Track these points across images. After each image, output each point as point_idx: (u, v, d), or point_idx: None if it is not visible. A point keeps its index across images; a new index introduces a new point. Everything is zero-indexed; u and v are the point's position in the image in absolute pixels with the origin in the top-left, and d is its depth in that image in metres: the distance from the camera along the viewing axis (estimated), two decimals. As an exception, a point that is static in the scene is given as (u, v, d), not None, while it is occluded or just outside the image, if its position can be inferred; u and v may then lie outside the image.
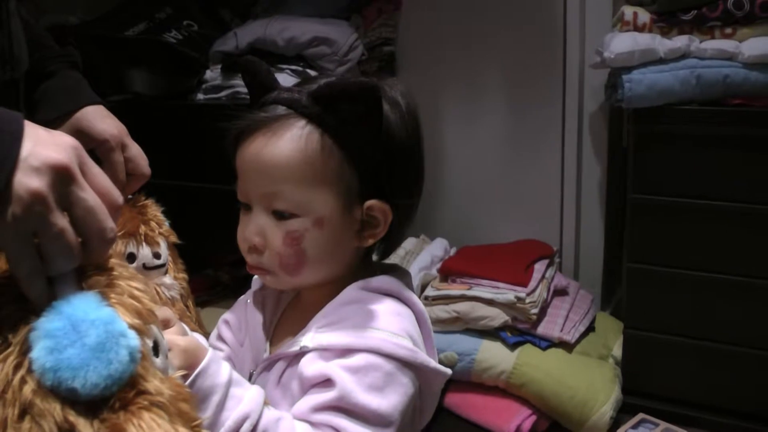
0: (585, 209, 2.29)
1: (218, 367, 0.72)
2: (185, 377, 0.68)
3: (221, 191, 2.10)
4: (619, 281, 2.12)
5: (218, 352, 0.86)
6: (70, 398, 0.51)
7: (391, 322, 0.78)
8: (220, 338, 0.95)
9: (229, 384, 0.71)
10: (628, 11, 1.82)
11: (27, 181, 0.52)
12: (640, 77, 1.77)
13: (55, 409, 0.50)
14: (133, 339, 0.54)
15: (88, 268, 0.57)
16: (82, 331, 0.51)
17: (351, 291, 0.81)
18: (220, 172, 2.14)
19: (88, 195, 0.55)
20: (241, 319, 0.93)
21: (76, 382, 0.50)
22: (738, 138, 1.75)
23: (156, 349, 0.59)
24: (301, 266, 0.80)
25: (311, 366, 0.75)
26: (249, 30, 2.11)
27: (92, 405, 0.51)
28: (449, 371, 0.81)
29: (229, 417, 0.70)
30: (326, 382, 0.74)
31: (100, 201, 0.56)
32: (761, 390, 1.84)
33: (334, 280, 0.83)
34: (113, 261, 0.60)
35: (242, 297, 0.95)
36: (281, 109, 0.79)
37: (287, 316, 0.90)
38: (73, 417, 0.50)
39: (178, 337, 0.70)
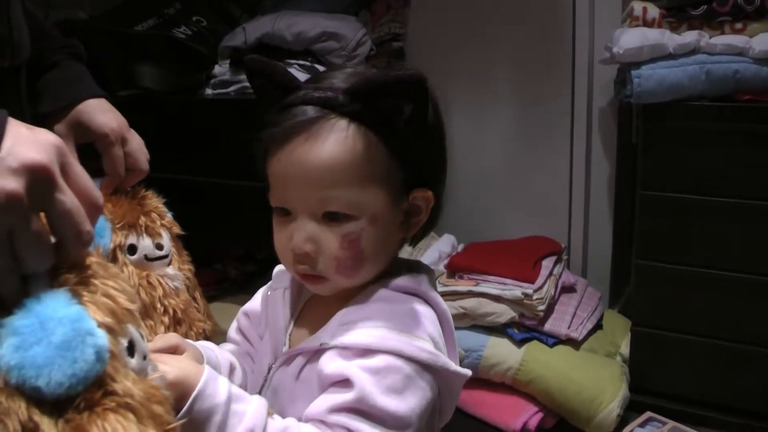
0: (594, 206, 2.28)
1: (216, 387, 0.70)
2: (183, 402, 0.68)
3: (229, 186, 2.13)
4: (628, 279, 2.11)
5: (215, 364, 0.85)
6: (36, 397, 0.50)
7: (414, 324, 0.76)
8: (240, 331, 0.94)
9: (229, 402, 0.70)
10: (637, 6, 1.81)
11: (3, 182, 0.51)
12: (650, 73, 1.76)
13: (20, 407, 0.49)
14: (101, 338, 0.53)
15: (61, 267, 0.56)
16: (49, 328, 0.51)
17: (376, 289, 0.80)
18: (228, 167, 2.17)
19: (66, 197, 0.54)
20: (261, 311, 0.92)
21: (40, 380, 0.49)
22: (748, 134, 1.73)
23: (131, 350, 0.58)
24: (358, 267, 0.78)
25: (331, 364, 0.74)
26: (257, 25, 2.11)
27: (57, 404, 0.51)
28: (469, 372, 0.80)
29: None
30: (345, 382, 0.72)
31: (78, 203, 0.55)
32: (769, 389, 1.83)
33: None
34: (92, 260, 0.59)
35: (262, 288, 0.94)
36: (314, 110, 0.76)
37: (309, 309, 0.88)
38: (37, 416, 0.49)
39: (167, 369, 0.68)
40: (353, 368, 0.72)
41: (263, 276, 0.98)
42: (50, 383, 0.50)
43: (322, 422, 0.71)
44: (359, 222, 0.76)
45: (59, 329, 0.51)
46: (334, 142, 0.75)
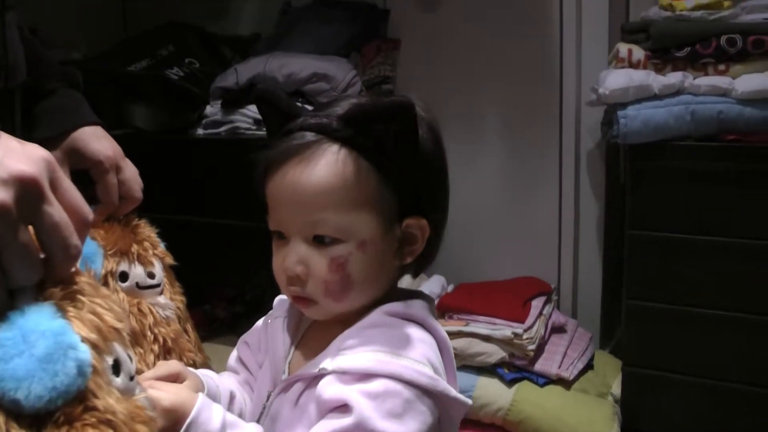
0: (583, 247, 2.28)
1: (210, 414, 0.71)
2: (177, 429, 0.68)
3: (220, 225, 2.13)
4: (618, 320, 2.10)
5: (215, 393, 0.85)
6: (14, 411, 0.50)
7: (413, 349, 0.76)
8: (240, 360, 0.94)
9: (223, 429, 0.70)
10: (623, 48, 1.84)
11: None
12: (635, 113, 1.78)
13: None
14: (84, 352, 0.53)
15: (47, 282, 0.56)
16: (32, 341, 0.50)
17: (375, 315, 0.80)
18: (219, 207, 2.16)
19: (54, 210, 0.54)
20: (261, 339, 0.92)
21: (19, 393, 0.49)
22: (734, 173, 1.75)
23: (117, 369, 0.58)
24: (346, 291, 0.78)
25: (329, 388, 0.73)
26: (249, 66, 2.13)
27: (36, 419, 0.50)
28: (469, 401, 0.79)
29: None
30: (344, 408, 0.72)
31: (66, 217, 0.55)
32: (761, 428, 1.81)
33: (371, 303, 0.81)
34: (82, 279, 0.59)
35: (263, 318, 0.94)
36: (311, 135, 0.78)
37: (308, 336, 0.88)
38: (15, 430, 0.49)
39: (163, 395, 0.69)
40: (352, 393, 0.71)
41: (251, 317, 0.98)
42: (29, 396, 0.49)
43: None
44: (347, 245, 0.77)
45: (41, 342, 0.51)
46: (324, 165, 0.76)
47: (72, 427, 0.51)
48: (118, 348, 0.58)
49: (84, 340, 0.53)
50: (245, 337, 0.95)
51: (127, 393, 0.58)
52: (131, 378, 0.60)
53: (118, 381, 0.57)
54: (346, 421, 0.70)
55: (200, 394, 0.73)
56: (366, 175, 0.77)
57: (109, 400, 0.54)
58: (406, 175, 0.78)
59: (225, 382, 0.89)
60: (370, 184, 0.77)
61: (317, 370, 0.76)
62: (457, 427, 0.82)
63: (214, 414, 0.71)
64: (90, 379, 0.53)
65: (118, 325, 0.58)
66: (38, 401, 0.49)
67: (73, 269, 0.59)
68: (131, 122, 2.16)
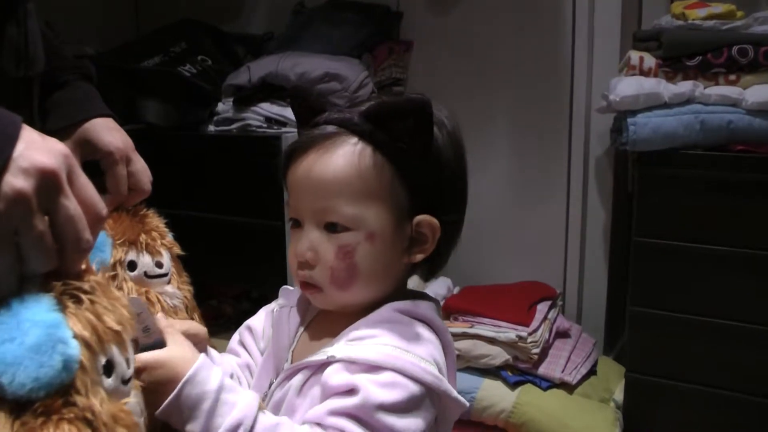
0: (589, 252, 2.29)
1: (208, 374, 0.72)
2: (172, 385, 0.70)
3: (229, 222, 2.14)
4: (623, 326, 2.11)
5: (210, 359, 0.85)
6: None
7: (420, 347, 0.78)
8: (242, 344, 0.95)
9: (220, 390, 0.71)
10: (634, 56, 1.84)
11: (14, 180, 0.53)
12: (645, 120, 1.78)
13: None
14: (73, 348, 0.54)
15: (53, 275, 0.57)
16: (24, 330, 0.52)
17: (385, 311, 0.81)
18: (229, 203, 2.16)
19: (70, 203, 0.56)
20: (265, 326, 0.93)
21: (3, 377, 0.50)
22: (742, 183, 1.75)
23: (109, 370, 0.58)
24: (352, 281, 0.81)
25: (336, 376, 0.75)
26: (262, 64, 2.14)
27: (18, 405, 0.51)
28: (467, 403, 0.81)
29: (222, 424, 0.70)
30: (350, 391, 0.73)
31: (81, 211, 0.57)
32: (763, 439, 1.82)
33: (379, 300, 0.83)
34: (94, 278, 0.60)
35: (268, 305, 0.96)
36: (332, 128, 0.81)
37: (314, 327, 0.89)
38: None
39: (166, 350, 0.71)
40: (361, 379, 0.73)
41: (257, 314, 0.99)
42: (13, 382, 0.51)
43: (319, 425, 0.72)
44: (356, 235, 0.79)
45: (33, 331, 0.52)
46: (341, 156, 0.79)
47: (48, 420, 0.52)
48: (114, 350, 0.59)
49: (76, 336, 0.54)
50: (249, 322, 0.96)
51: (116, 395, 0.59)
52: (125, 381, 0.61)
53: (109, 382, 0.58)
54: (350, 401, 0.72)
55: (202, 355, 0.74)
56: (380, 169, 0.79)
57: (92, 398, 0.55)
58: (421, 173, 0.80)
59: (221, 356, 0.91)
60: (384, 178, 0.79)
61: (325, 357, 0.78)
62: (450, 428, 0.84)
63: (213, 375, 0.72)
64: (76, 375, 0.54)
65: (117, 327, 0.59)
66: (20, 389, 0.51)
67: (86, 267, 0.61)
68: (143, 117, 2.17)
